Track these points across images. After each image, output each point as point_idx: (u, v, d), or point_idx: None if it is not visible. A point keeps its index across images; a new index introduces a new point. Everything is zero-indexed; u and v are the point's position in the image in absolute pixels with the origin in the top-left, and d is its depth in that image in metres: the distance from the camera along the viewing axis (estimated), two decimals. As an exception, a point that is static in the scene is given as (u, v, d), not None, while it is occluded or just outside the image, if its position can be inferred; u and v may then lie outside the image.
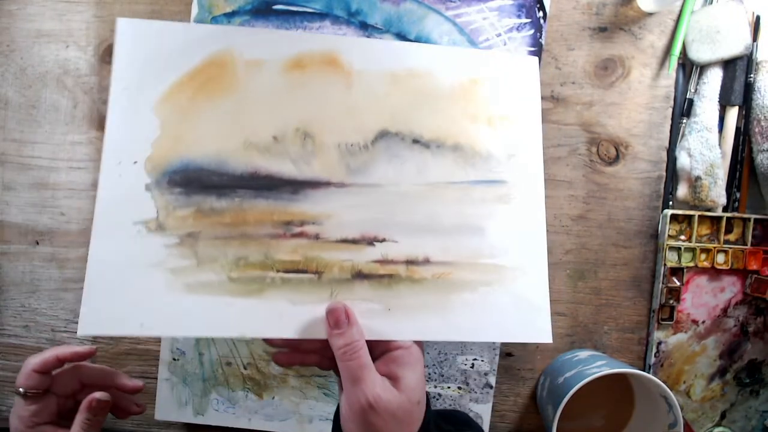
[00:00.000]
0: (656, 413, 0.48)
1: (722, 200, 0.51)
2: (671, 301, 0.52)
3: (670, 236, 0.52)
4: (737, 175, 0.52)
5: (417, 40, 0.51)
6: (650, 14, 0.52)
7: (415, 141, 0.41)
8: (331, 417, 0.53)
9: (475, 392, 0.53)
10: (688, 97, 0.53)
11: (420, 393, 0.35)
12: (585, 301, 0.54)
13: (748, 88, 0.51)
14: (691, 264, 0.52)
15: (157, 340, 0.53)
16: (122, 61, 0.40)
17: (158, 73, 0.40)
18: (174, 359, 0.53)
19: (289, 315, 0.38)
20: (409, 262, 0.39)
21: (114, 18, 0.53)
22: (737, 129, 0.52)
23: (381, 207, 0.40)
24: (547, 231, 0.53)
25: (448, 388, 0.53)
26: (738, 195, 0.53)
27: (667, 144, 0.53)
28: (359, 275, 0.39)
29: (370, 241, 0.39)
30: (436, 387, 0.53)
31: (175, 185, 0.38)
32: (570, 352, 0.53)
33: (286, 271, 0.38)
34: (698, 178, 0.51)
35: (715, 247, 0.52)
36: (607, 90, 0.53)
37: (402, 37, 0.51)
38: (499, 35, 0.52)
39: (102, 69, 0.53)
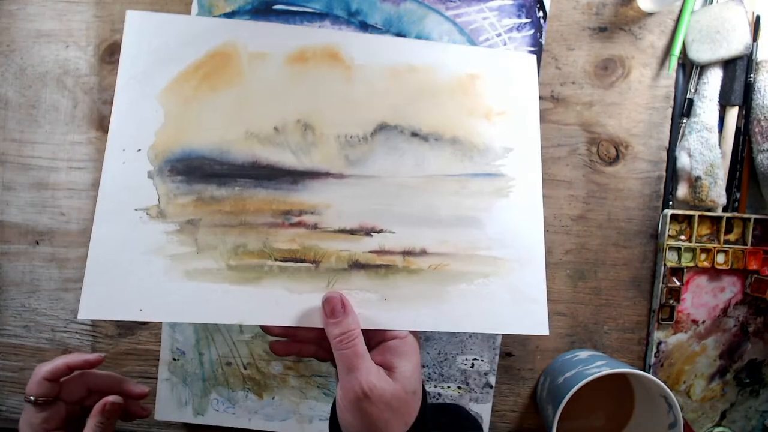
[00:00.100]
0: (656, 413, 0.48)
1: (722, 200, 0.51)
2: (671, 301, 0.52)
3: (670, 236, 0.52)
4: (737, 175, 0.53)
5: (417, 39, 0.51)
6: (650, 14, 0.52)
7: (414, 134, 0.42)
8: (328, 419, 0.53)
9: (475, 392, 0.53)
10: (688, 97, 0.53)
11: (415, 383, 0.35)
12: (585, 301, 0.54)
13: (748, 88, 0.51)
14: (691, 264, 0.52)
15: (158, 340, 0.53)
16: (130, 51, 0.41)
17: (164, 64, 0.41)
18: (174, 359, 0.53)
19: (286, 303, 0.38)
20: (406, 253, 0.40)
21: (114, 18, 0.53)
22: (737, 129, 0.52)
23: (379, 198, 0.41)
24: (547, 231, 0.53)
25: (448, 387, 0.53)
26: (738, 195, 0.53)
27: (667, 144, 0.53)
28: (356, 265, 0.39)
29: (368, 232, 0.40)
30: (436, 387, 0.53)
31: (176, 173, 0.39)
32: (570, 352, 0.53)
33: (284, 260, 0.39)
34: (698, 178, 0.51)
35: (715, 247, 0.52)
36: (607, 90, 0.53)
37: (402, 36, 0.51)
38: (499, 35, 0.52)
39: (102, 69, 0.53)
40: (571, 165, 0.53)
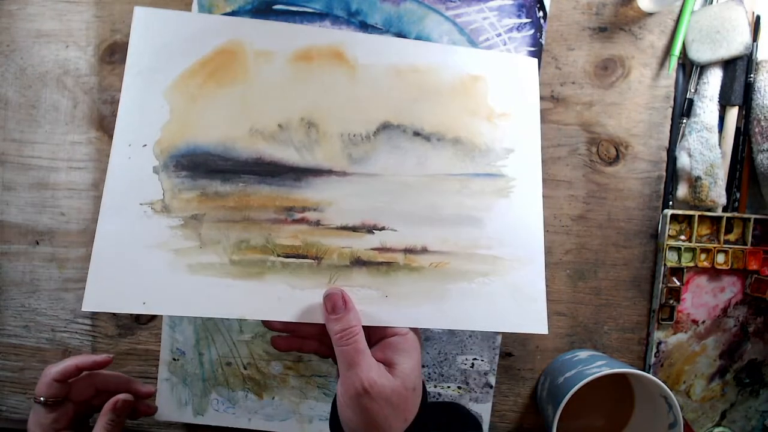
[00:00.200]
0: (656, 413, 0.48)
1: (722, 200, 0.51)
2: (671, 301, 0.52)
3: (670, 236, 0.52)
4: (737, 175, 0.52)
5: (417, 39, 0.51)
6: (650, 14, 0.52)
7: (416, 133, 0.43)
8: (329, 416, 0.53)
9: (475, 392, 0.53)
10: (688, 97, 0.53)
11: (415, 380, 0.36)
12: (585, 301, 0.54)
13: (748, 88, 0.51)
14: (691, 264, 0.52)
15: (158, 340, 0.53)
16: (137, 47, 0.41)
17: (171, 60, 0.41)
18: (174, 359, 0.53)
19: (288, 298, 0.38)
20: (408, 251, 0.40)
21: (114, 18, 0.53)
22: (737, 129, 0.52)
23: (381, 196, 0.41)
24: (547, 231, 0.53)
25: (448, 387, 0.53)
26: (738, 195, 0.53)
27: (667, 144, 0.53)
28: (358, 262, 0.40)
29: (370, 229, 0.40)
30: (436, 387, 0.53)
31: (181, 169, 0.40)
32: (570, 352, 0.53)
33: (287, 256, 0.39)
34: (698, 178, 0.51)
35: (715, 247, 0.52)
36: (607, 90, 0.53)
37: (402, 37, 0.51)
38: (499, 35, 0.52)
39: (102, 69, 0.53)
40: (571, 165, 0.53)
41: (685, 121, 0.53)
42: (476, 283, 0.40)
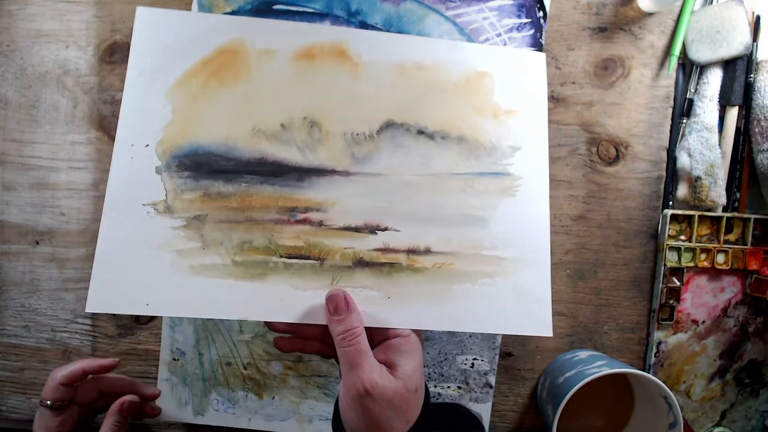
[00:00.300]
0: (656, 413, 0.48)
1: (722, 200, 0.51)
2: (671, 301, 0.52)
3: (670, 236, 0.52)
4: (737, 175, 0.52)
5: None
6: (650, 14, 0.52)
7: (420, 132, 0.42)
8: (331, 417, 0.53)
9: (475, 392, 0.53)
10: (688, 97, 0.53)
11: (417, 381, 0.36)
12: (585, 301, 0.54)
13: (748, 88, 0.51)
14: (691, 264, 0.52)
15: (158, 340, 0.53)
16: (139, 47, 0.41)
17: (173, 60, 0.41)
18: (174, 359, 0.53)
19: (290, 299, 0.38)
20: (411, 252, 0.40)
21: (114, 18, 0.53)
22: (737, 129, 0.52)
23: (384, 196, 0.41)
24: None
25: (448, 387, 0.53)
26: (738, 195, 0.53)
27: (667, 144, 0.53)
28: (360, 263, 0.39)
29: (373, 230, 0.40)
30: (436, 386, 0.53)
31: (184, 169, 0.40)
32: (570, 352, 0.53)
33: (289, 257, 0.39)
34: (698, 178, 0.51)
35: (715, 247, 0.52)
36: (607, 90, 0.53)
37: (402, 37, 0.51)
38: (499, 35, 0.52)
39: (102, 69, 0.53)
40: (571, 165, 0.53)
41: (685, 121, 0.53)
42: (480, 284, 0.40)
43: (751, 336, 0.54)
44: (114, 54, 0.53)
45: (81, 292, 0.54)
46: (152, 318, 0.54)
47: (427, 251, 0.40)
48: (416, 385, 0.35)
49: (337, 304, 0.36)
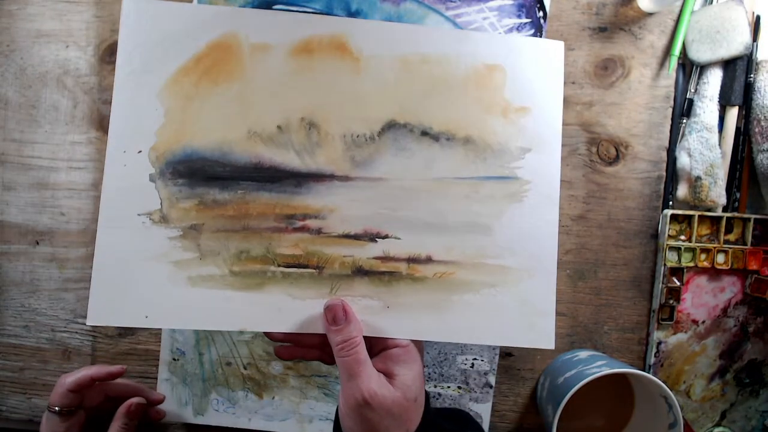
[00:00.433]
0: (656, 413, 0.48)
1: (722, 200, 0.51)
2: (671, 301, 0.52)
3: (670, 236, 0.52)
4: (737, 175, 0.52)
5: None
6: (650, 14, 0.52)
7: (424, 133, 0.40)
8: (331, 417, 0.53)
9: (475, 392, 0.53)
10: (688, 97, 0.53)
11: (416, 390, 0.35)
12: (585, 301, 0.54)
13: (748, 88, 0.51)
14: (691, 264, 0.52)
15: (158, 340, 0.53)
16: (128, 43, 0.39)
17: (163, 57, 0.39)
18: (174, 359, 0.53)
19: (288, 309, 0.38)
20: (411, 260, 0.39)
21: (114, 18, 0.53)
22: (737, 129, 0.52)
23: (385, 202, 0.39)
24: (547, 231, 0.53)
25: (448, 387, 0.53)
26: (738, 195, 0.53)
27: (667, 144, 0.53)
28: (360, 271, 0.39)
29: (373, 237, 0.39)
30: (436, 387, 0.53)
31: (178, 176, 0.38)
32: (570, 352, 0.53)
33: (287, 266, 0.38)
34: (698, 178, 0.51)
35: (715, 247, 0.52)
36: (607, 90, 0.53)
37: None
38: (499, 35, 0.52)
39: (102, 69, 0.53)
40: (571, 165, 0.53)
41: (685, 121, 0.53)
42: (482, 294, 0.39)
43: (751, 336, 0.54)
44: (114, 54, 0.53)
45: (81, 292, 0.54)
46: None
47: (428, 260, 0.39)
48: (415, 394, 0.35)
49: (336, 315, 0.36)
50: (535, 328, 0.39)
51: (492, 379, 0.53)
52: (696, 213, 0.52)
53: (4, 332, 0.55)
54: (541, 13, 0.52)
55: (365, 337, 0.36)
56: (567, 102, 0.53)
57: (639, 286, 0.54)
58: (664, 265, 0.52)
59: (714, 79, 0.52)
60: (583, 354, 0.52)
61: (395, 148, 0.40)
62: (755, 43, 0.51)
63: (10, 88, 0.54)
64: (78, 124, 0.53)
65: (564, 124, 0.53)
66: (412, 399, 0.35)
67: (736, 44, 0.50)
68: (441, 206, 0.40)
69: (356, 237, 0.39)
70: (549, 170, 0.41)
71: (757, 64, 0.51)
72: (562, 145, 0.53)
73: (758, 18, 0.51)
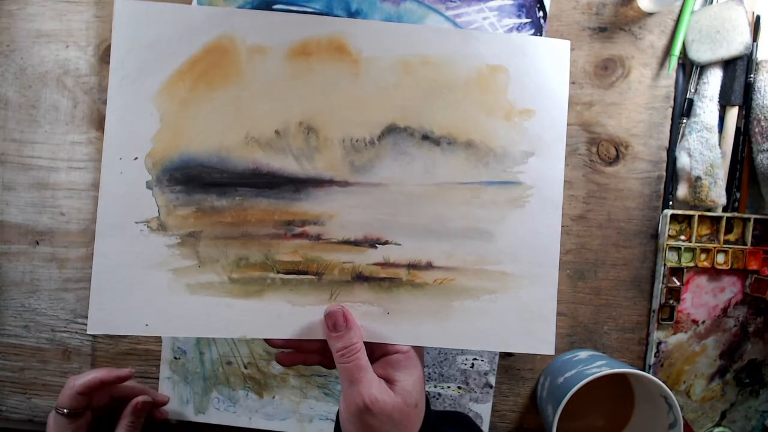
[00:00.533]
0: (656, 413, 0.48)
1: (722, 200, 0.51)
2: (671, 301, 0.52)
3: (670, 236, 0.52)
4: (737, 175, 0.52)
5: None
6: (650, 14, 0.52)
7: (425, 137, 0.39)
8: (331, 417, 0.53)
9: (475, 392, 0.53)
10: (688, 97, 0.53)
11: (416, 396, 0.36)
12: (585, 301, 0.54)
13: (748, 88, 0.51)
14: (691, 264, 0.52)
15: (158, 340, 0.53)
16: (121, 47, 0.38)
17: (158, 61, 0.38)
18: (175, 358, 0.53)
19: (288, 316, 0.38)
20: (411, 266, 0.39)
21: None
22: (737, 129, 0.52)
23: (385, 208, 0.39)
24: (547, 231, 0.53)
25: (448, 387, 0.53)
26: (738, 195, 0.53)
27: (667, 144, 0.53)
28: (360, 277, 0.38)
29: (373, 243, 0.39)
30: (436, 387, 0.53)
31: (175, 183, 0.38)
32: (570, 352, 0.53)
33: (287, 272, 0.38)
34: (698, 178, 0.51)
35: (715, 247, 0.52)
36: (607, 90, 0.53)
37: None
38: (499, 35, 0.51)
39: (102, 69, 0.53)
40: (571, 165, 0.53)
41: (685, 121, 0.53)
42: (482, 300, 0.39)
43: (751, 336, 0.54)
44: (114, 54, 0.53)
45: (81, 292, 0.54)
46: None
47: (429, 266, 0.39)
48: (416, 399, 0.35)
49: (336, 321, 0.36)
50: (535, 334, 0.39)
51: (492, 379, 0.53)
52: (696, 213, 0.52)
53: (4, 332, 0.55)
54: (541, 13, 0.52)
55: (365, 343, 0.36)
56: (567, 102, 0.53)
57: (639, 286, 0.54)
58: (664, 265, 0.52)
59: (714, 79, 0.52)
60: (583, 354, 0.52)
61: (395, 153, 0.39)
62: (755, 43, 0.51)
63: (10, 88, 0.54)
64: (78, 124, 0.53)
65: (564, 124, 0.53)
66: (412, 404, 0.35)
67: (736, 44, 0.50)
68: (442, 212, 0.39)
69: (356, 243, 0.39)
70: (552, 175, 0.40)
71: (757, 64, 0.51)
72: (562, 145, 0.53)
73: (758, 18, 0.51)
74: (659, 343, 0.53)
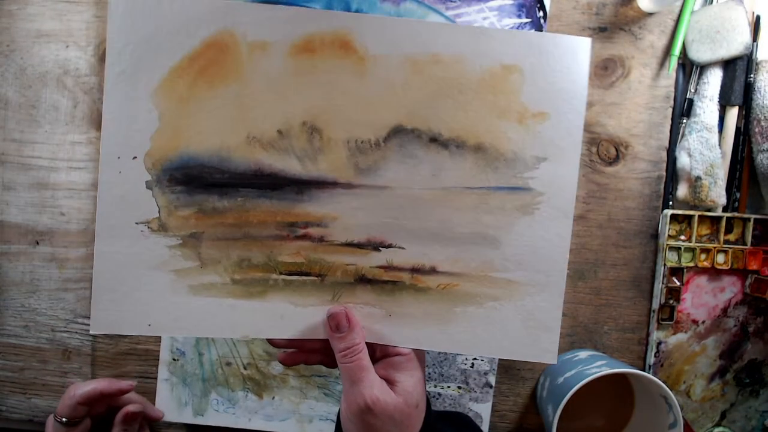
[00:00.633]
0: (656, 413, 0.48)
1: (722, 200, 0.51)
2: (671, 301, 0.52)
3: (670, 236, 0.52)
4: (737, 175, 0.52)
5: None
6: (650, 14, 0.52)
7: (433, 139, 0.38)
8: (331, 417, 0.53)
9: (475, 392, 0.53)
10: (688, 97, 0.53)
11: (417, 396, 0.36)
12: (585, 301, 0.54)
13: (748, 88, 0.51)
14: (691, 264, 0.52)
15: (158, 340, 0.53)
16: (116, 41, 0.36)
17: (155, 56, 0.37)
18: (174, 359, 0.53)
19: (291, 316, 0.38)
20: (415, 270, 0.38)
21: (114, 18, 0.53)
22: (737, 129, 0.52)
23: (389, 211, 0.38)
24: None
25: (448, 387, 0.53)
26: (738, 195, 0.53)
27: (667, 144, 0.53)
28: (362, 279, 0.38)
29: (376, 246, 0.38)
30: (436, 386, 0.53)
31: (176, 183, 0.37)
32: (570, 352, 0.53)
33: (289, 273, 0.38)
34: (698, 178, 0.51)
35: (715, 247, 0.52)
36: (607, 90, 0.53)
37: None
38: (499, 35, 0.51)
39: (102, 69, 0.53)
40: (571, 165, 0.53)
41: (685, 121, 0.53)
42: (486, 307, 0.38)
43: (751, 336, 0.54)
44: (114, 54, 0.53)
45: (81, 292, 0.54)
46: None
47: (433, 271, 0.38)
48: (417, 400, 0.35)
49: (339, 322, 0.36)
50: (538, 343, 0.38)
51: (492, 379, 0.53)
52: (696, 213, 0.52)
53: (4, 332, 0.55)
54: (541, 13, 0.52)
55: (367, 343, 0.37)
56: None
57: (639, 286, 0.54)
58: (664, 265, 0.52)
59: (714, 79, 0.52)
60: (583, 354, 0.52)
61: (401, 155, 0.38)
62: (755, 43, 0.51)
63: (10, 88, 0.54)
64: (78, 124, 0.53)
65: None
66: (413, 405, 0.35)
67: (736, 44, 0.50)
68: (448, 216, 0.38)
69: (359, 246, 0.38)
70: (565, 182, 0.38)
71: (757, 64, 0.51)
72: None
73: (758, 18, 0.51)
74: (659, 343, 0.53)
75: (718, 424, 0.55)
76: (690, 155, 0.52)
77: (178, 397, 0.53)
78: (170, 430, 0.55)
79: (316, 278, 0.38)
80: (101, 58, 0.53)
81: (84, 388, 0.45)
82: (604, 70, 0.53)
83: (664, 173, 0.53)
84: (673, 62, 0.52)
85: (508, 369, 0.54)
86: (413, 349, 0.37)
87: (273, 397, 0.53)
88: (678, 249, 0.52)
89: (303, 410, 0.53)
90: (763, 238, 0.53)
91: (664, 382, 0.46)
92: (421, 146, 0.38)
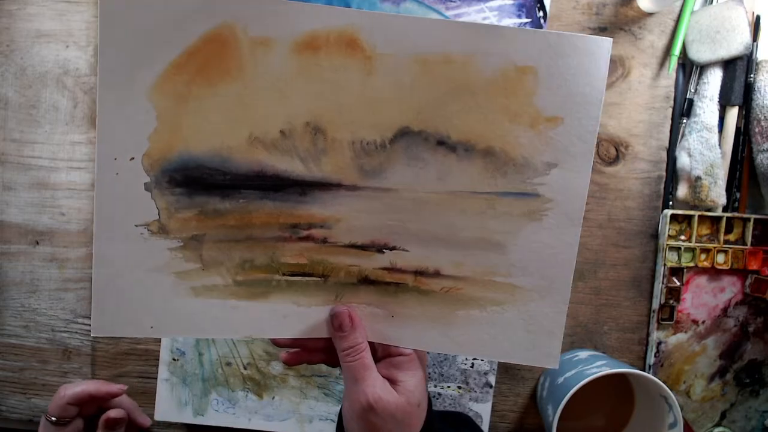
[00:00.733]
0: (656, 413, 0.48)
1: (722, 200, 0.51)
2: (671, 301, 0.52)
3: (670, 236, 0.52)
4: (737, 175, 0.52)
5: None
6: (650, 14, 0.52)
7: (440, 143, 0.36)
8: (331, 417, 0.53)
9: (475, 392, 0.53)
10: (688, 97, 0.53)
11: (419, 395, 0.36)
12: (585, 301, 0.54)
13: (748, 88, 0.51)
14: (691, 264, 0.52)
15: (157, 341, 0.53)
16: (109, 35, 0.35)
17: (151, 52, 0.35)
18: (174, 359, 0.53)
19: (294, 316, 0.37)
20: (418, 273, 0.38)
21: (114, 18, 0.53)
22: (737, 129, 0.52)
23: (394, 214, 0.37)
24: (547, 231, 0.53)
25: (448, 387, 0.53)
26: (738, 195, 0.53)
27: (667, 144, 0.53)
28: (365, 280, 0.38)
29: (380, 248, 0.38)
30: (436, 386, 0.53)
31: (176, 185, 0.36)
32: (570, 352, 0.53)
33: (292, 274, 0.37)
34: (698, 178, 0.51)
35: (715, 247, 0.52)
36: (607, 90, 0.53)
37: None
38: (499, 35, 0.51)
39: (102, 69, 0.53)
40: (571, 165, 0.53)
41: (685, 121, 0.53)
42: (489, 311, 0.38)
43: (751, 336, 0.54)
44: (114, 54, 0.53)
45: (81, 292, 0.54)
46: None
47: (436, 274, 0.37)
48: (418, 399, 0.36)
49: (342, 322, 0.36)
50: (540, 348, 0.38)
51: (492, 379, 0.53)
52: (696, 213, 0.52)
53: (4, 332, 0.55)
54: (541, 13, 0.52)
55: (369, 343, 0.37)
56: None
57: (639, 286, 0.54)
58: (664, 265, 0.52)
59: (714, 79, 0.52)
60: (583, 354, 0.52)
61: (407, 158, 0.37)
62: (755, 43, 0.51)
63: (10, 88, 0.54)
64: (78, 124, 0.53)
65: (564, 124, 0.53)
66: (415, 404, 0.35)
67: (736, 44, 0.50)
68: (453, 220, 0.37)
69: (363, 247, 0.37)
70: (575, 189, 0.36)
71: (757, 64, 0.51)
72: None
73: (758, 18, 0.51)
74: (659, 343, 0.53)
75: (718, 424, 0.55)
76: (690, 155, 0.52)
77: (178, 397, 0.53)
78: (170, 430, 0.55)
79: (319, 279, 0.38)
80: (101, 58, 0.53)
81: (74, 389, 0.45)
82: (604, 70, 0.53)
83: (664, 173, 0.53)
84: (673, 62, 0.52)
85: (508, 369, 0.54)
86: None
87: (273, 397, 0.53)
88: (678, 249, 0.52)
89: (303, 410, 0.53)
90: (763, 238, 0.53)
91: (664, 382, 0.46)
92: (428, 149, 0.37)
